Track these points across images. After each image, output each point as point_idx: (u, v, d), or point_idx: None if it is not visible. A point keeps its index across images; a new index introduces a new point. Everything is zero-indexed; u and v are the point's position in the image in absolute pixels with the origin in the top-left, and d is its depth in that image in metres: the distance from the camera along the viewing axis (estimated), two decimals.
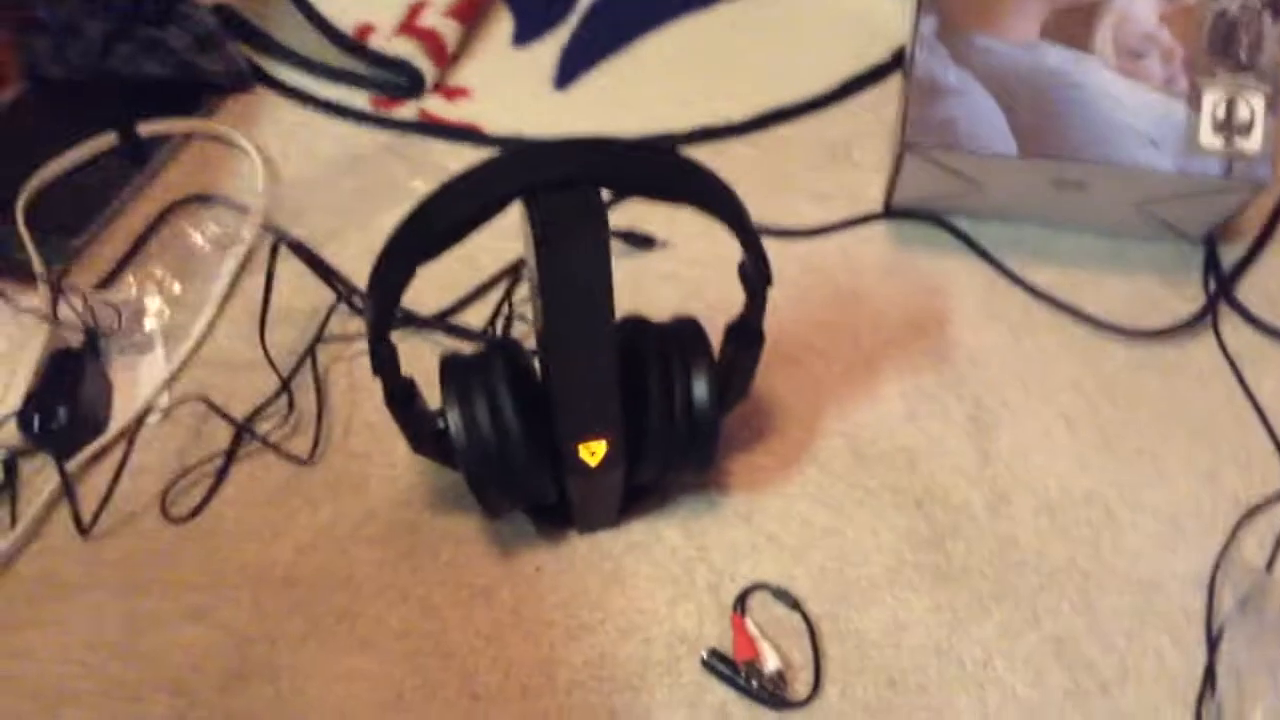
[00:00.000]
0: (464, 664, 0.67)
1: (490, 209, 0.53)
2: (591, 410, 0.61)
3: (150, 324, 0.82)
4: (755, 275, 0.62)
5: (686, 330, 0.67)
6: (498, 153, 0.53)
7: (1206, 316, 0.80)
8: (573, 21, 1.03)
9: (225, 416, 0.77)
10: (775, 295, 0.82)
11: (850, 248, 0.86)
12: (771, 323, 0.79)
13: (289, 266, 0.85)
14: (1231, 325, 0.81)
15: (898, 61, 0.99)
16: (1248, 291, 0.82)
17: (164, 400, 0.79)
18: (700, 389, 0.65)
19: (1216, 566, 0.69)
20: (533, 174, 0.53)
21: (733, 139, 0.95)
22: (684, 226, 0.87)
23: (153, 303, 0.83)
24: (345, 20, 1.01)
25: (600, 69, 1.00)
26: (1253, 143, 0.74)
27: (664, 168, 0.56)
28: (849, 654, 0.67)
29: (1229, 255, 0.84)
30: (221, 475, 0.75)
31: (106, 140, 0.91)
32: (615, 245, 0.86)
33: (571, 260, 0.54)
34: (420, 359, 0.80)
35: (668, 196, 0.56)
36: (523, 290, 0.83)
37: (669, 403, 0.64)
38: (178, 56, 0.97)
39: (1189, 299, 0.82)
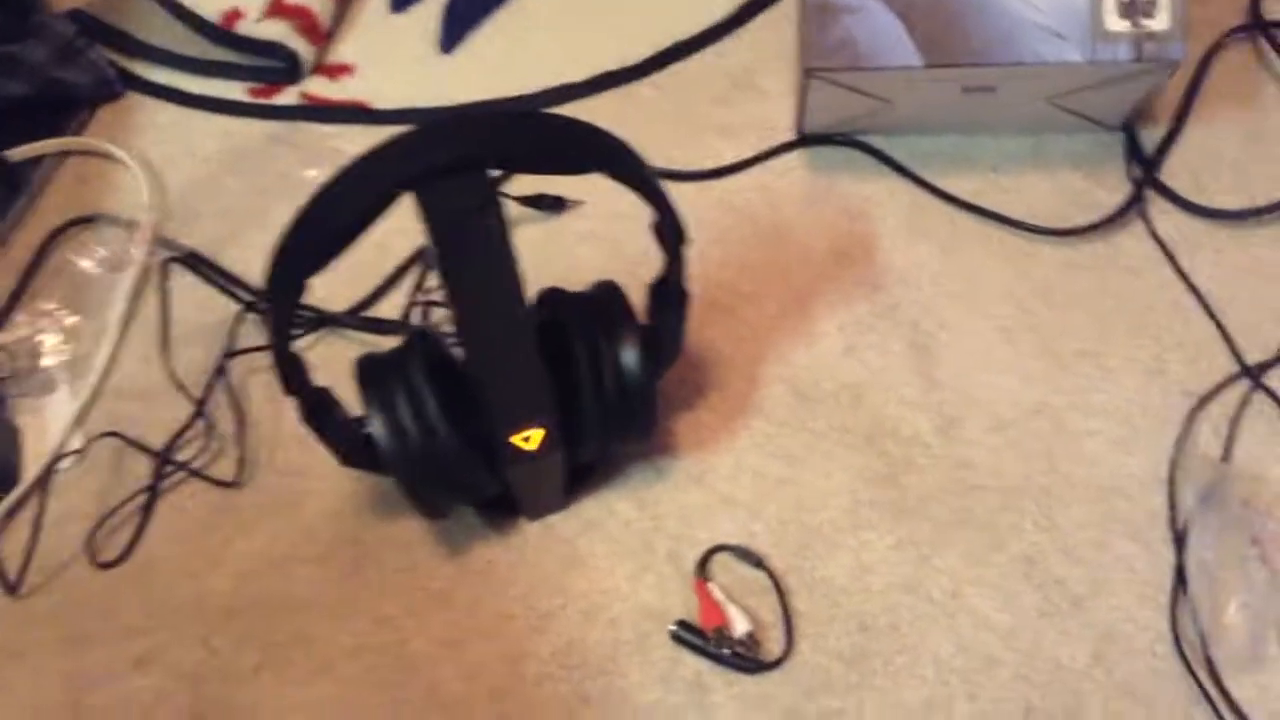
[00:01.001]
0: (427, 674, 0.64)
1: (373, 210, 0.49)
2: (520, 398, 0.59)
3: (49, 361, 0.78)
4: (670, 234, 0.59)
5: (607, 296, 0.64)
6: (372, 146, 0.50)
7: (1134, 205, 0.79)
8: None
9: (143, 448, 0.73)
10: (697, 241, 0.79)
11: (768, 182, 0.83)
12: (696, 271, 0.77)
13: (188, 280, 0.81)
14: (1160, 209, 0.79)
15: None
16: (1173, 174, 0.81)
17: (76, 440, 0.75)
18: (629, 356, 0.62)
19: (1174, 463, 0.68)
20: (411, 166, 0.49)
21: (633, 82, 0.91)
22: (595, 181, 0.83)
23: (49, 339, 0.79)
24: (209, 8, 0.95)
25: (486, 27, 0.95)
26: (1160, 21, 0.72)
27: (553, 139, 0.53)
28: (818, 605, 0.65)
29: (1150, 138, 0.82)
30: (147, 511, 0.71)
31: None
32: (525, 211, 0.82)
33: (471, 250, 0.51)
34: (339, 360, 0.76)
35: (560, 169, 0.53)
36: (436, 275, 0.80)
37: (599, 376, 0.62)
38: (38, 72, 0.91)
39: (1114, 189, 0.80)
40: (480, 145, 0.49)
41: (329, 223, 0.49)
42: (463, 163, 0.49)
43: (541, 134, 0.52)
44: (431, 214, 0.49)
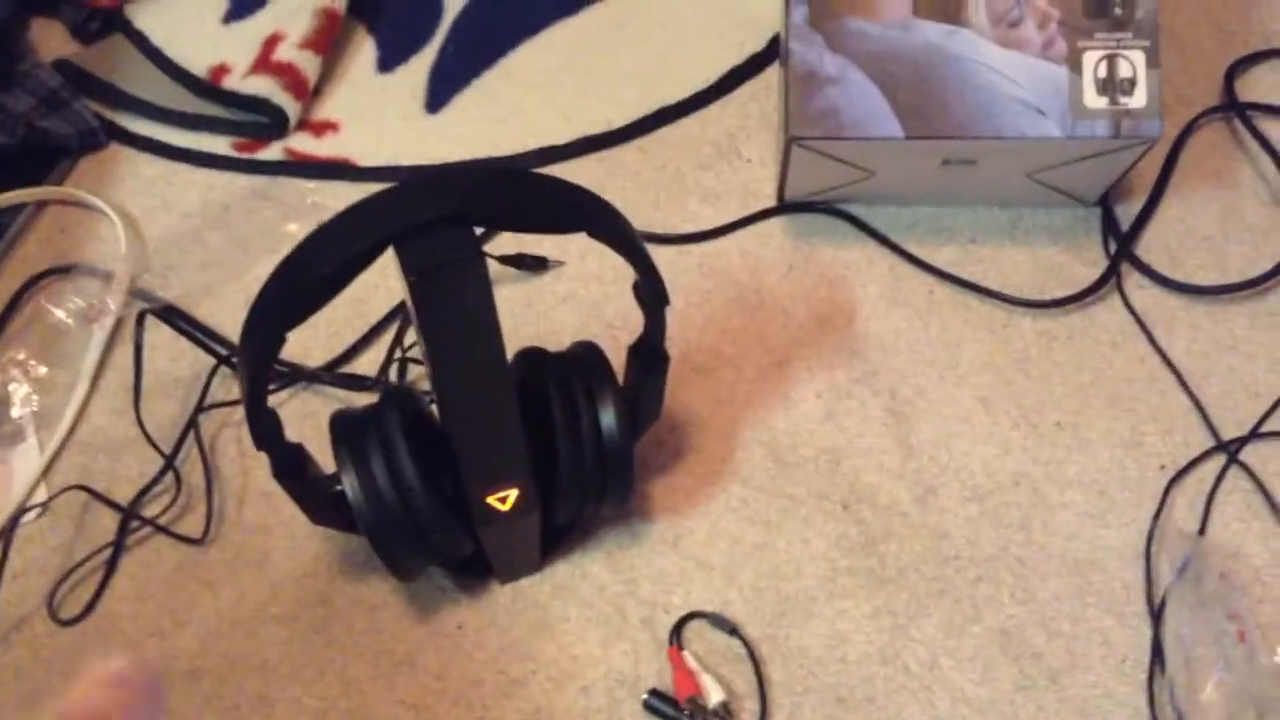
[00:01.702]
0: None
1: (356, 263, 0.49)
2: (496, 459, 0.58)
3: (18, 412, 0.77)
4: (651, 296, 0.59)
5: (586, 357, 0.64)
6: (357, 200, 0.49)
7: (1110, 279, 0.79)
8: (437, 42, 0.99)
9: (109, 503, 0.72)
10: (677, 304, 0.79)
11: (748, 247, 0.84)
12: (676, 334, 0.77)
13: (162, 333, 0.80)
14: (1136, 284, 0.80)
15: (774, 50, 0.96)
16: (1148, 248, 0.82)
17: (41, 493, 0.73)
18: (608, 418, 0.62)
19: (1150, 536, 0.68)
20: (396, 220, 0.49)
21: (616, 146, 0.92)
22: (576, 243, 0.83)
23: (19, 389, 0.78)
24: (197, 64, 0.96)
25: (472, 88, 0.96)
26: (1138, 99, 0.73)
27: (537, 197, 0.52)
28: (793, 674, 0.64)
29: (1125, 213, 0.83)
30: (111, 567, 0.70)
31: None
32: (506, 271, 0.82)
33: (452, 306, 0.51)
34: (312, 415, 0.76)
35: (544, 228, 0.53)
36: (415, 331, 0.79)
37: (577, 437, 0.61)
38: (23, 121, 0.91)
39: (1090, 263, 0.81)
40: (467, 201, 0.49)
41: (311, 274, 0.49)
42: (449, 217, 0.48)
43: (528, 192, 0.52)
44: (414, 267, 0.48)
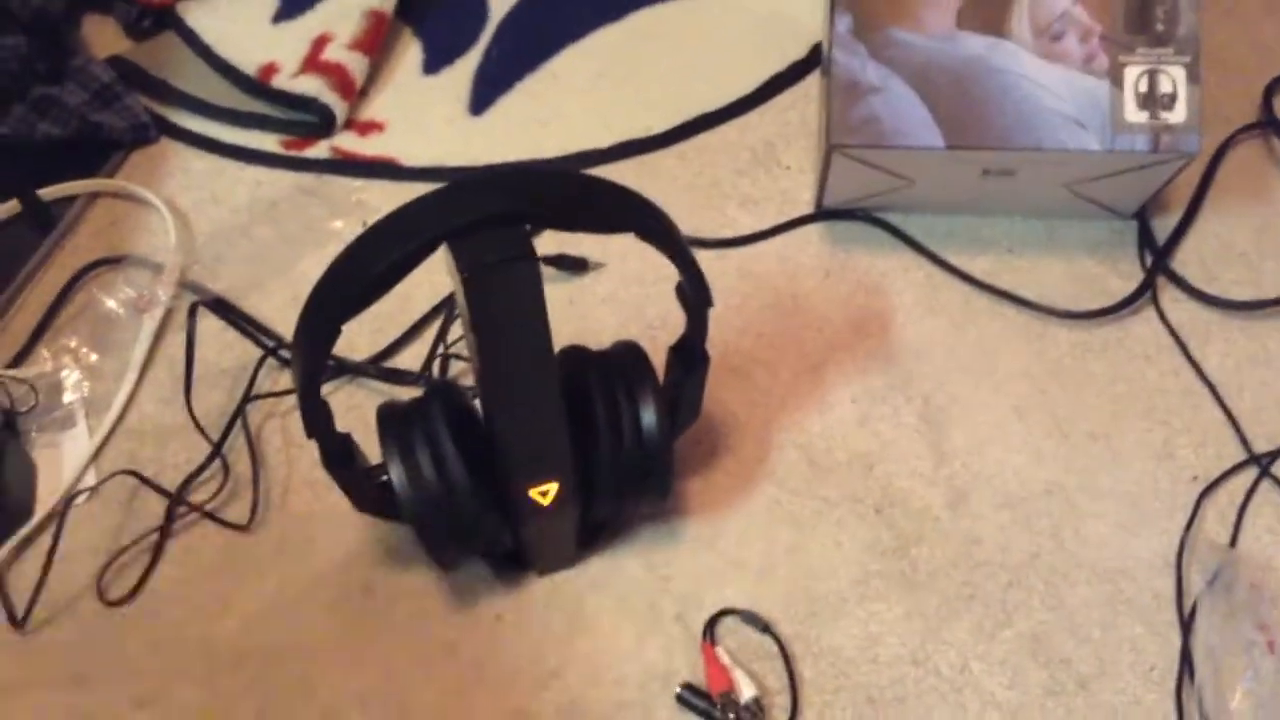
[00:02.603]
0: None
1: (412, 258, 0.50)
2: (539, 453, 0.59)
3: (69, 398, 0.78)
4: (694, 297, 0.60)
5: (629, 356, 0.65)
6: (414, 198, 0.51)
7: (1146, 292, 0.80)
8: (482, 45, 1.01)
9: (157, 488, 0.74)
10: (715, 306, 0.80)
11: (786, 252, 0.85)
12: (714, 336, 0.77)
13: (210, 323, 0.82)
14: (1171, 297, 0.80)
15: (815, 58, 0.97)
16: (1184, 262, 0.82)
17: (90, 477, 0.75)
18: (649, 417, 0.63)
19: (1181, 547, 0.69)
20: (452, 217, 0.50)
21: (657, 151, 0.93)
22: (617, 245, 0.85)
23: (70, 375, 0.80)
24: (247, 62, 0.98)
25: (516, 91, 0.98)
26: (1177, 114, 0.74)
27: (588, 197, 0.54)
28: (824, 673, 0.65)
29: (1161, 226, 0.84)
30: (158, 551, 0.72)
31: (8, 208, 0.87)
32: (547, 271, 0.83)
33: (503, 304, 0.52)
34: (357, 407, 0.77)
35: (594, 227, 0.54)
36: (458, 328, 0.81)
37: (618, 434, 0.62)
38: (76, 114, 0.93)
39: (1126, 275, 0.82)
40: (520, 200, 0.51)
41: (367, 269, 0.50)
42: (504, 216, 0.50)
43: (579, 192, 0.53)
44: (467, 265, 0.50)
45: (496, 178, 0.52)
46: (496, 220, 0.50)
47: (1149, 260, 0.82)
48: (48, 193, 0.89)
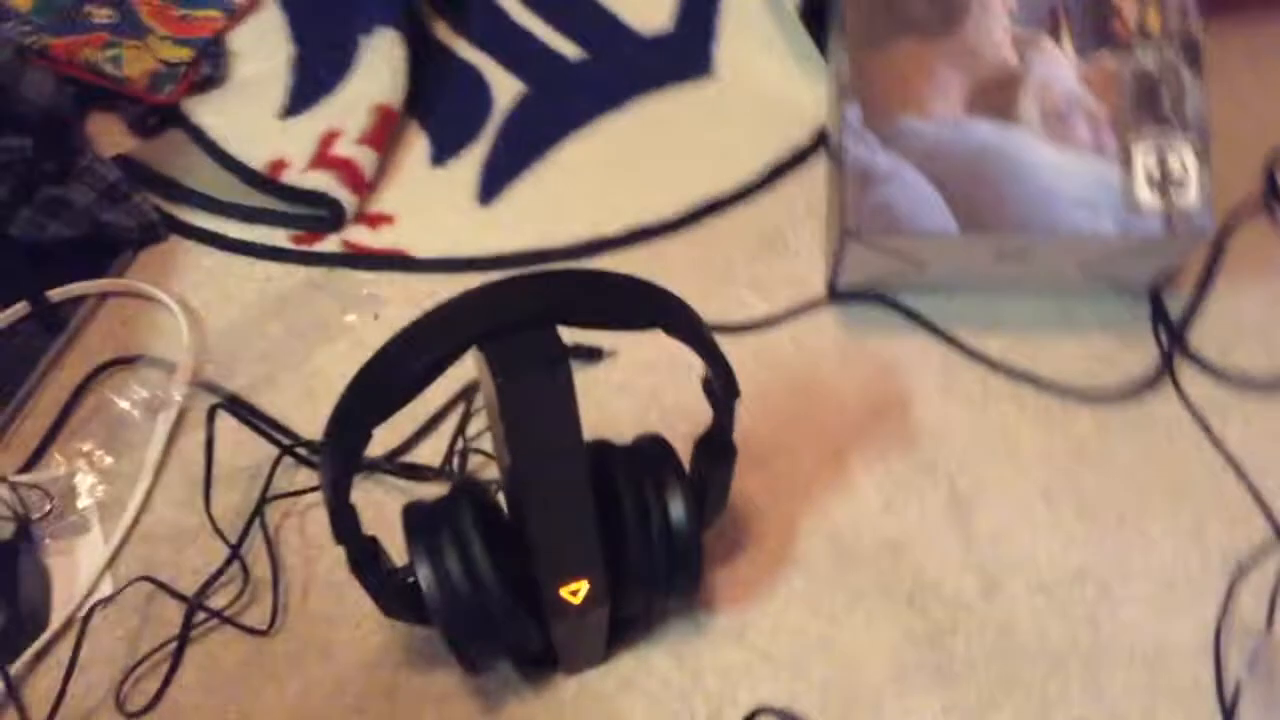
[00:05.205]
0: None
1: (444, 362, 0.50)
2: (570, 552, 0.59)
3: (84, 502, 0.77)
4: (722, 391, 0.60)
5: (654, 450, 0.65)
6: (444, 300, 0.51)
7: (1164, 371, 0.80)
8: (489, 136, 1.01)
9: (174, 594, 0.72)
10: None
11: (800, 337, 0.85)
12: None
13: (224, 422, 0.81)
14: (1189, 375, 0.81)
15: (820, 142, 0.98)
16: (1200, 339, 0.82)
17: (107, 584, 0.74)
18: (677, 511, 0.62)
19: (1218, 630, 0.68)
20: (486, 320, 0.50)
21: (666, 236, 0.94)
22: (627, 333, 0.84)
23: (84, 479, 0.78)
24: (255, 158, 0.98)
25: (524, 180, 0.98)
26: (1189, 195, 0.74)
27: (619, 296, 0.54)
28: None
29: (1174, 303, 0.84)
30: (177, 659, 0.70)
31: (17, 311, 0.87)
32: None
33: (538, 406, 0.52)
34: (375, 505, 0.76)
35: (623, 325, 0.54)
36: (477, 422, 0.80)
37: (647, 529, 0.62)
38: (84, 214, 0.93)
39: (1142, 353, 0.82)
40: (553, 301, 0.51)
41: (399, 373, 0.50)
42: (538, 318, 0.50)
43: (610, 291, 0.53)
44: (501, 369, 0.49)
45: (527, 280, 0.52)
46: (529, 324, 0.50)
47: (1164, 336, 0.82)
48: (57, 294, 0.88)
